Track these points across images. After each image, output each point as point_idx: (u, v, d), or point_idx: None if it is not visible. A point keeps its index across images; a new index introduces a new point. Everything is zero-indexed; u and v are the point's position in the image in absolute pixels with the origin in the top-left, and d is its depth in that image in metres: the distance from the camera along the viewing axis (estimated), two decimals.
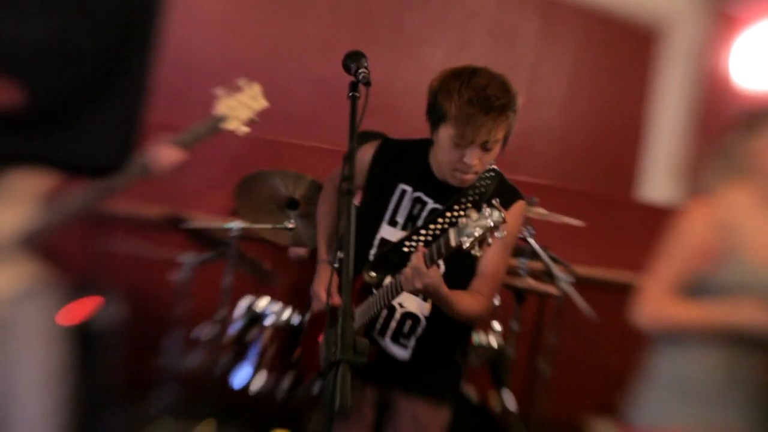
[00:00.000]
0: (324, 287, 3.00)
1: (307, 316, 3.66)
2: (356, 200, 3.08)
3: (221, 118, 2.76)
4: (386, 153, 3.02)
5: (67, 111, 1.77)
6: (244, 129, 2.80)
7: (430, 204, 2.89)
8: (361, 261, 2.91)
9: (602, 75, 5.87)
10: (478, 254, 2.47)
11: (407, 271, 2.58)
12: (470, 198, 2.86)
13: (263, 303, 3.97)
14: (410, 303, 2.91)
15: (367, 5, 5.06)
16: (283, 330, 3.89)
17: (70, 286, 2.83)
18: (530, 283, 4.26)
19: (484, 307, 2.87)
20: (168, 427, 3.45)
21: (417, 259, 2.56)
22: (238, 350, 3.92)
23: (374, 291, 2.85)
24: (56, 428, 2.40)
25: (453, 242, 2.47)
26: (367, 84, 2.41)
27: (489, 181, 2.90)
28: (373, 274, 2.87)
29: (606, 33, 5.82)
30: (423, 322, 2.91)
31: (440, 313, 2.82)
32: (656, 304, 2.62)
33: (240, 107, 2.78)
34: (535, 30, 5.65)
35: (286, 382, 3.69)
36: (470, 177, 2.81)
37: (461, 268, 2.86)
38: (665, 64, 6.01)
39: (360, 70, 2.43)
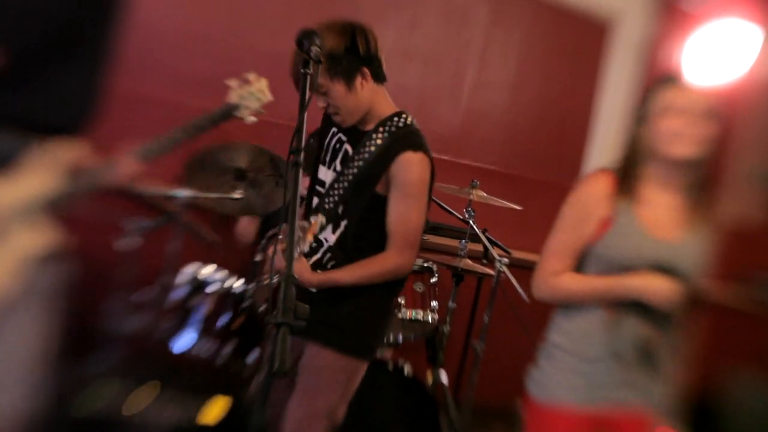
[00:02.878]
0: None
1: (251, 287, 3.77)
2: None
3: (234, 107, 2.90)
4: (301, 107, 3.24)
5: (29, 70, 1.84)
6: (252, 119, 2.96)
7: (345, 145, 3.11)
8: (305, 204, 3.23)
9: (551, 62, 5.97)
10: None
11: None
12: (375, 141, 3.02)
13: (208, 270, 4.04)
14: (328, 234, 3.09)
15: None
16: (226, 298, 3.97)
17: None
18: (468, 263, 4.37)
19: (393, 263, 3.01)
20: (111, 387, 3.49)
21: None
22: (181, 316, 3.99)
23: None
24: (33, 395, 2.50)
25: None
26: (318, 62, 2.50)
27: (395, 129, 3.05)
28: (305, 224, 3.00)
29: (557, 21, 5.91)
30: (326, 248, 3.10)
31: (342, 245, 3.04)
32: (548, 274, 2.72)
33: (250, 98, 2.93)
34: (486, 13, 5.72)
35: (227, 350, 3.76)
36: (338, 118, 3.06)
37: (357, 208, 3.04)
38: (615, 56, 6.11)
39: (312, 48, 2.52)
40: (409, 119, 3.10)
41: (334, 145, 3.14)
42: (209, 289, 3.99)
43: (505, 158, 5.82)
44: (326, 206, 3.05)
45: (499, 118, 5.80)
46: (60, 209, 2.47)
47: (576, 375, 2.68)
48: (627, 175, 2.66)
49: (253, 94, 2.95)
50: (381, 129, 3.04)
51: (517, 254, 4.65)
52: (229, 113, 2.93)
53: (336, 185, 3.06)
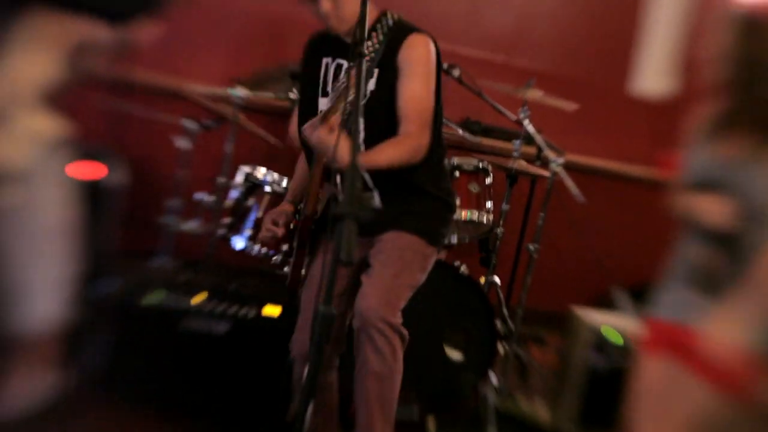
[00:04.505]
0: (273, 218, 3.21)
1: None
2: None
3: None
4: (310, 45, 3.22)
5: None
6: None
7: (345, 65, 3.04)
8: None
9: None
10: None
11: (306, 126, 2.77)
12: (375, 45, 2.98)
13: (262, 171, 4.05)
14: None
15: None
16: (281, 199, 3.99)
17: (81, 145, 2.87)
18: (522, 164, 4.34)
19: (412, 145, 2.94)
20: (161, 297, 3.55)
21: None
22: (237, 216, 4.03)
23: None
24: (65, 279, 2.47)
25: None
26: None
27: (388, 29, 3.02)
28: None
29: None
30: None
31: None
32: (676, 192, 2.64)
33: None
34: None
35: (278, 257, 3.75)
36: (335, 23, 2.96)
37: (381, 114, 2.98)
38: None
39: None
40: (396, 16, 3.06)
41: (334, 72, 3.08)
42: (265, 190, 4.00)
43: (558, 60, 5.74)
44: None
45: (551, 19, 5.71)
46: (60, 94, 2.35)
47: (666, 294, 2.67)
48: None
49: None
50: (374, 34, 3.00)
51: (570, 156, 4.61)
52: None
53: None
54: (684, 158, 2.62)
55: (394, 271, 2.98)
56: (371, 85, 2.97)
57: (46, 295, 2.42)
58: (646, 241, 4.29)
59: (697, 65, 2.69)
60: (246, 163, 4.12)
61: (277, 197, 3.95)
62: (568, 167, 4.32)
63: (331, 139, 2.69)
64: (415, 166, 2.96)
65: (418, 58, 2.97)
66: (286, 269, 3.21)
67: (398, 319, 2.91)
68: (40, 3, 2.05)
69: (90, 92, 4.06)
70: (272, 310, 3.64)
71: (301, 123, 3.09)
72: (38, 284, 2.40)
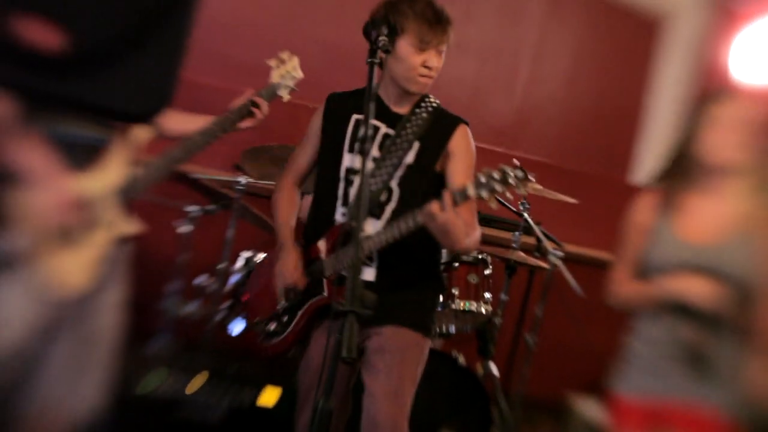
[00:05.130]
0: (292, 266, 3.10)
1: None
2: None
3: (278, 86, 3.08)
4: (336, 101, 3.21)
5: (109, 58, 1.86)
6: (288, 97, 3.12)
7: (383, 129, 3.07)
8: (330, 196, 3.10)
9: (604, 58, 5.96)
10: (493, 206, 2.69)
11: (433, 207, 2.70)
12: (418, 122, 3.04)
13: (262, 257, 4.07)
14: (366, 225, 3.02)
15: None
16: None
17: None
18: (521, 256, 4.37)
19: (478, 237, 3.04)
20: (162, 377, 3.55)
21: (446, 198, 2.70)
22: (236, 301, 4.03)
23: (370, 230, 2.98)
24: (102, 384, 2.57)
25: (471, 193, 2.70)
26: (387, 52, 2.54)
27: (433, 108, 3.11)
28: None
29: (610, 17, 5.91)
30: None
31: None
32: (617, 284, 2.89)
33: (287, 77, 3.10)
34: (541, 9, 5.73)
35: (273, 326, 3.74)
36: (430, 80, 3.02)
37: (417, 187, 3.03)
38: (666, 53, 6.10)
39: (380, 38, 2.57)
40: (436, 101, 3.16)
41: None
42: None
43: (558, 152, 5.81)
44: (372, 189, 3.01)
45: (552, 111, 5.80)
46: (133, 196, 2.55)
47: (643, 372, 2.81)
48: (670, 185, 2.85)
49: (289, 72, 3.10)
50: (418, 111, 3.07)
51: (569, 248, 4.63)
52: (274, 93, 3.08)
53: (380, 170, 3.03)
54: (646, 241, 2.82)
55: (399, 372, 3.01)
56: (410, 157, 3.03)
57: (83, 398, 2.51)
58: None
59: None
60: (247, 248, 4.14)
61: None
62: (568, 258, 4.34)
63: (460, 224, 2.77)
64: (433, 248, 3.09)
65: (469, 150, 3.10)
66: (274, 340, 3.18)
67: (407, 422, 2.96)
68: (57, 106, 2.16)
69: None
70: (270, 396, 3.63)
71: (321, 173, 3.16)
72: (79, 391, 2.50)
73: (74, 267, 2.40)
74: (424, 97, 3.12)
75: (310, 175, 3.30)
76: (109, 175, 2.46)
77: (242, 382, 3.65)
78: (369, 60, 2.59)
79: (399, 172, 3.02)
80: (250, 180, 4.11)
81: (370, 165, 3.00)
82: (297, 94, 3.15)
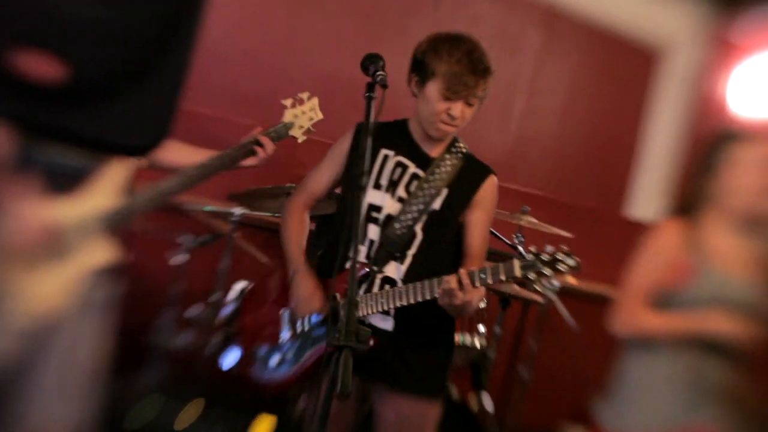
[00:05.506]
0: (310, 292, 3.03)
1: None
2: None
3: (289, 126, 3.06)
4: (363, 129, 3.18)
5: (108, 91, 1.86)
6: (303, 137, 3.10)
7: (411, 168, 3.03)
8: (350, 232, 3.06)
9: (600, 91, 5.96)
10: (538, 289, 2.70)
11: (451, 285, 2.66)
12: (447, 168, 3.01)
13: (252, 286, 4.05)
14: (388, 267, 2.99)
15: (377, 5, 5.16)
16: None
17: None
18: (516, 289, 4.36)
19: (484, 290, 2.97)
20: (157, 404, 3.52)
21: (464, 278, 2.66)
22: (230, 333, 4.01)
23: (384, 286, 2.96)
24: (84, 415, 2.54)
25: (518, 273, 2.67)
26: (385, 86, 2.54)
27: (463, 153, 3.09)
28: (375, 267, 2.97)
29: (607, 49, 5.91)
30: (400, 285, 2.95)
31: (416, 275, 2.90)
32: (630, 313, 2.82)
33: (302, 117, 3.08)
34: (538, 41, 5.74)
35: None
36: (452, 129, 2.98)
37: (440, 235, 3.01)
38: (663, 85, 6.11)
39: (378, 73, 2.57)
40: (466, 147, 3.14)
41: (393, 168, 3.03)
42: None
43: (553, 184, 5.81)
44: (397, 233, 2.96)
45: (548, 144, 5.80)
46: (120, 225, 2.53)
47: (642, 408, 2.78)
48: (692, 220, 2.82)
49: (305, 113, 3.09)
50: (449, 155, 3.05)
51: (563, 281, 4.62)
52: (284, 132, 3.07)
53: (406, 214, 2.97)
54: (688, 275, 2.76)
55: None
56: (437, 203, 2.99)
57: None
58: None
59: None
60: (241, 279, 4.12)
61: None
62: (562, 292, 4.33)
63: (476, 301, 2.77)
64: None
65: (494, 202, 3.08)
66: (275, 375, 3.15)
67: None
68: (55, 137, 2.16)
69: None
70: (265, 424, 3.60)
71: (342, 206, 3.15)
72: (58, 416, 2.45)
73: (45, 293, 2.37)
74: (454, 141, 3.10)
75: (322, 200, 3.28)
76: (93, 202, 2.43)
77: (236, 411, 3.62)
78: (367, 94, 2.58)
79: (424, 218, 2.97)
80: (245, 211, 4.09)
81: (371, 199, 3.01)
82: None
